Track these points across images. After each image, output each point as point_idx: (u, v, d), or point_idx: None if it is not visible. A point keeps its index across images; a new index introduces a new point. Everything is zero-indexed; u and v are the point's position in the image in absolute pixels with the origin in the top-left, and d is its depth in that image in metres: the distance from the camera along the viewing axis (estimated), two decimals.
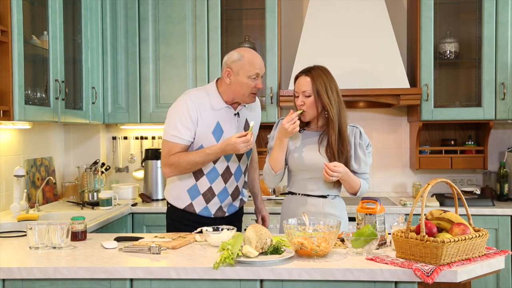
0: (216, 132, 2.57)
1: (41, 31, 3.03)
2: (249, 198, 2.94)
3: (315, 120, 2.54)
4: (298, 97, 2.52)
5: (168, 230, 2.73)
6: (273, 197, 3.84)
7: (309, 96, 2.47)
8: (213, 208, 2.65)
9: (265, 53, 3.79)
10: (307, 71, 2.51)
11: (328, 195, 2.56)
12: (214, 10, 3.78)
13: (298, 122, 2.43)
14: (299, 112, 2.49)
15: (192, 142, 2.58)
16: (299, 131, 2.58)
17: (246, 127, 2.69)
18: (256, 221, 2.95)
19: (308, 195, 2.56)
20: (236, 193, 2.71)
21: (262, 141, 3.93)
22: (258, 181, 2.97)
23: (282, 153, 2.52)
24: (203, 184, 2.62)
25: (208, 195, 2.63)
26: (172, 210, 2.74)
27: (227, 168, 2.63)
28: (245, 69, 2.51)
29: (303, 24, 3.79)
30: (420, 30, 3.68)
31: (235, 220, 2.76)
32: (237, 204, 2.75)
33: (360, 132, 2.55)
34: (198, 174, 2.61)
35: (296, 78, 2.55)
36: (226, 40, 3.89)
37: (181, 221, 2.68)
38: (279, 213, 2.81)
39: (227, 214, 2.70)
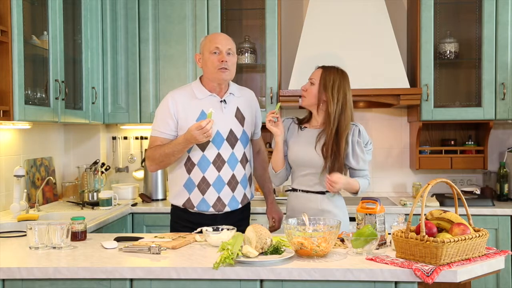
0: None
1: (41, 31, 3.03)
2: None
3: (314, 113, 2.61)
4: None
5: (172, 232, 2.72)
6: None
7: (313, 84, 2.57)
8: (210, 199, 2.61)
9: (265, 53, 3.79)
10: (324, 66, 2.62)
11: (327, 191, 2.56)
12: (214, 10, 3.78)
13: (278, 117, 2.53)
14: (276, 109, 2.58)
15: (176, 136, 2.61)
16: (300, 128, 2.61)
17: (238, 114, 2.68)
18: (269, 223, 2.90)
19: (307, 191, 2.59)
20: (234, 183, 2.64)
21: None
22: (268, 181, 2.88)
23: (279, 153, 2.59)
24: (196, 175, 2.61)
25: (203, 186, 2.61)
26: (173, 211, 2.74)
27: (218, 155, 2.61)
28: (207, 47, 2.62)
29: (303, 24, 3.79)
30: (420, 30, 3.68)
31: (240, 224, 2.62)
32: (239, 198, 2.67)
33: (359, 130, 2.57)
34: (190, 166, 2.62)
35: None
36: None
37: (180, 222, 2.68)
38: None
39: (228, 208, 2.63)
